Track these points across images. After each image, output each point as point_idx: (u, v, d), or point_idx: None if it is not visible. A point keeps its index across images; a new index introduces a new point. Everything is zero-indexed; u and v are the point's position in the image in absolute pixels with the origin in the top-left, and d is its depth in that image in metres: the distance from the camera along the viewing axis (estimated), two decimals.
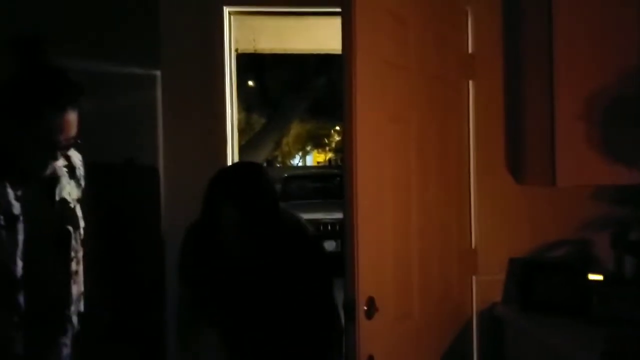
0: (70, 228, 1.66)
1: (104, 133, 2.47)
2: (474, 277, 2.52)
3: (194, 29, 2.55)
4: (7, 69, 1.49)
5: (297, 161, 28.09)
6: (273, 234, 1.82)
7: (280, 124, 10.66)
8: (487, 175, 2.54)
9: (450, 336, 2.38)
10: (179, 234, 1.98)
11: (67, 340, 1.65)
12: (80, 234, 1.69)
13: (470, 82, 2.52)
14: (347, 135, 1.74)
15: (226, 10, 2.59)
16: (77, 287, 1.67)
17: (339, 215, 6.56)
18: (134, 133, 2.67)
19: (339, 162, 21.40)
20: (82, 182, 1.75)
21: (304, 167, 26.09)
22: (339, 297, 1.82)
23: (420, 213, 2.12)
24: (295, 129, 20.45)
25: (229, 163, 2.57)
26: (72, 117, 1.51)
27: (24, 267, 1.51)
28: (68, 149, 1.59)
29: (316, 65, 9.25)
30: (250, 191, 1.76)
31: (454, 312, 2.44)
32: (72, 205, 1.68)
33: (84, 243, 1.70)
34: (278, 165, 24.73)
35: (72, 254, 1.65)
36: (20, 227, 1.52)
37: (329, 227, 8.11)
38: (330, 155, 26.70)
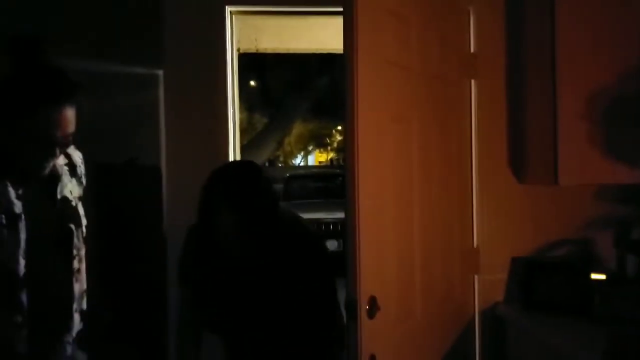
0: (72, 226, 1.66)
1: (107, 132, 2.47)
2: (476, 277, 2.52)
3: (196, 29, 2.55)
4: (3, 68, 1.49)
5: (299, 161, 28.10)
6: (273, 233, 1.81)
7: (282, 123, 10.67)
8: (489, 174, 2.54)
9: (452, 335, 2.38)
10: (181, 233, 1.98)
11: (71, 338, 1.65)
12: (82, 231, 1.69)
13: (473, 82, 2.52)
14: (349, 135, 1.74)
15: (228, 9, 2.59)
16: (80, 285, 1.67)
17: (340, 215, 6.55)
18: (136, 132, 2.67)
19: (340, 162, 21.41)
20: (84, 180, 1.75)
21: (306, 166, 26.06)
22: (342, 297, 1.82)
23: (422, 212, 2.12)
24: (297, 128, 20.44)
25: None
26: (70, 112, 1.50)
27: (26, 266, 1.51)
28: (67, 146, 1.58)
29: (318, 65, 9.26)
30: (248, 191, 1.76)
31: (456, 311, 2.44)
32: (73, 204, 1.68)
33: (86, 241, 1.70)
34: (280, 165, 24.74)
35: (74, 251, 1.65)
36: (22, 225, 1.52)
37: (331, 227, 8.12)
38: (332, 155, 26.70)
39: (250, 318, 1.91)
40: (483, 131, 2.54)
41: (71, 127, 1.52)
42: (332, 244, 7.69)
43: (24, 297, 1.52)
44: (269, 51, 3.58)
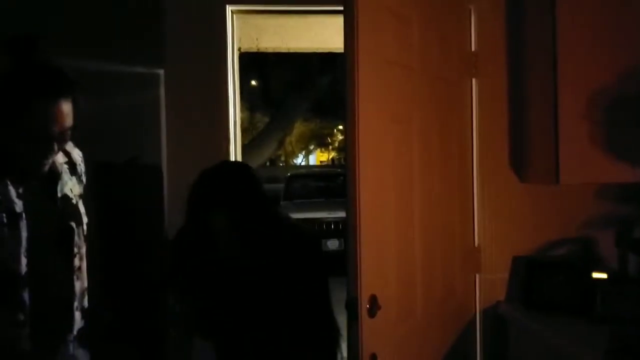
0: (73, 224, 1.66)
1: (107, 132, 2.47)
2: (477, 276, 2.52)
3: (197, 28, 2.55)
4: (1, 67, 1.49)
5: (300, 160, 28.11)
6: (263, 233, 1.81)
7: (283, 123, 10.68)
8: (490, 173, 2.54)
9: (453, 334, 2.38)
10: None
11: (72, 336, 1.65)
12: (83, 229, 1.69)
13: (474, 81, 2.52)
14: (350, 134, 1.74)
15: (229, 9, 2.59)
16: (81, 283, 1.67)
17: (342, 214, 6.58)
18: (137, 132, 2.67)
19: (342, 161, 21.39)
20: (84, 178, 1.75)
21: (307, 166, 26.06)
22: (342, 297, 1.81)
23: (423, 211, 2.12)
24: (299, 128, 20.46)
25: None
26: (66, 107, 1.50)
27: (27, 264, 1.52)
28: (65, 141, 1.58)
29: (319, 64, 9.27)
30: (236, 188, 1.76)
31: (457, 310, 2.44)
32: (74, 202, 1.68)
33: (86, 239, 1.70)
34: (281, 164, 24.73)
35: (75, 249, 1.66)
36: (23, 224, 1.52)
37: (332, 226, 8.15)
38: (333, 154, 26.70)
39: (241, 319, 1.89)
40: (484, 130, 2.53)
41: (68, 121, 1.51)
42: (333, 243, 7.70)
43: (25, 296, 1.52)
44: (269, 50, 3.59)
